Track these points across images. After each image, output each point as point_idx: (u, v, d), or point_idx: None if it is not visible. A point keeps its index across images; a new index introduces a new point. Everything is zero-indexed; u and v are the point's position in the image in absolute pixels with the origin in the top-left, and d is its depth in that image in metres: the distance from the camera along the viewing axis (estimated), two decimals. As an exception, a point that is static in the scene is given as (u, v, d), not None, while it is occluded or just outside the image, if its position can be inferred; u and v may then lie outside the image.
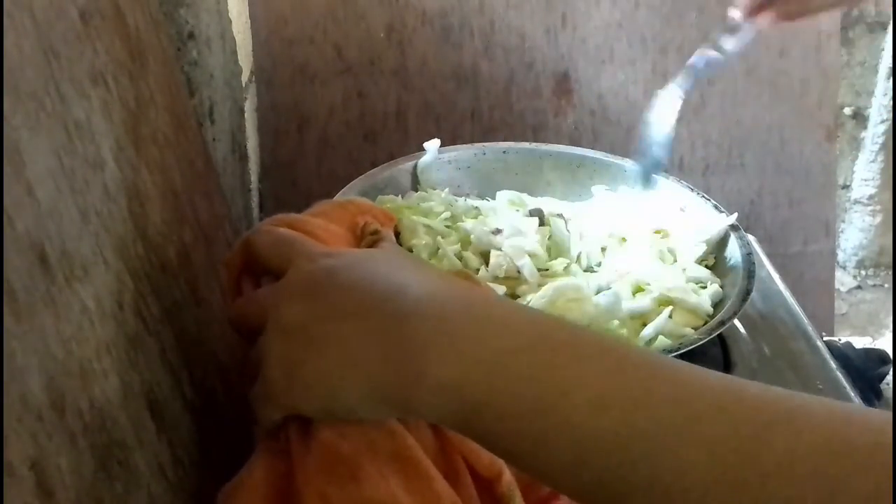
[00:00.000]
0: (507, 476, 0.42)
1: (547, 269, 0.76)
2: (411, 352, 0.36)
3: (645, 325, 0.70)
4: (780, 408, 0.32)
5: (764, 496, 0.30)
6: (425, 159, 0.91)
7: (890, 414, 0.31)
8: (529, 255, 0.76)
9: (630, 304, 0.71)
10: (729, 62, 0.80)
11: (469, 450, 0.42)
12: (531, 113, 1.21)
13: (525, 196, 0.89)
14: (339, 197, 0.79)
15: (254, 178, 1.08)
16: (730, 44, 0.78)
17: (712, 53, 0.79)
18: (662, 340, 0.69)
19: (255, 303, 0.43)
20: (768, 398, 0.33)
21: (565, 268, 0.77)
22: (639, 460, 0.32)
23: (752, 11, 0.76)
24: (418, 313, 0.37)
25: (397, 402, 0.37)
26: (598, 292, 0.73)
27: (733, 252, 0.77)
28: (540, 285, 0.74)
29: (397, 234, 0.77)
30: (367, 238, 0.47)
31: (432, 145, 0.91)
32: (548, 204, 0.87)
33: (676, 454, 0.32)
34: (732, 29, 0.78)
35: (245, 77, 1.03)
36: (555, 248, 0.79)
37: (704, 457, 0.32)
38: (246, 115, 1.01)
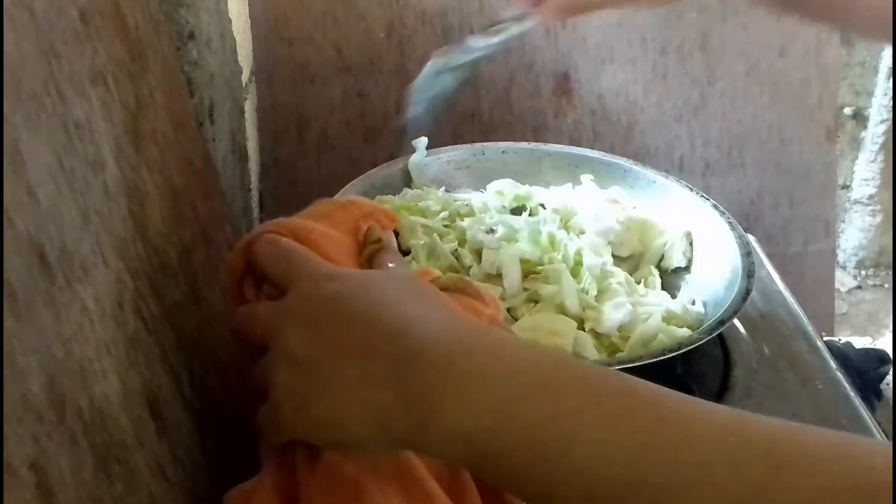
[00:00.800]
0: None
1: (538, 273, 0.77)
2: (418, 397, 0.36)
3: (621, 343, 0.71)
4: (785, 449, 0.33)
5: None
6: (416, 157, 0.91)
7: (891, 447, 0.31)
8: (522, 261, 0.76)
9: (615, 317, 0.72)
10: (506, 49, 0.79)
11: None
12: (531, 113, 1.21)
13: (513, 184, 0.89)
14: (339, 197, 0.79)
15: (254, 178, 1.08)
16: (512, 30, 0.77)
17: (490, 40, 0.78)
18: (662, 340, 0.69)
19: (258, 322, 0.42)
20: (774, 438, 0.33)
21: (553, 265, 0.77)
22: None
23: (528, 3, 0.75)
24: (424, 358, 0.37)
25: (406, 443, 0.38)
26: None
27: (733, 252, 0.77)
28: (526, 289, 0.75)
29: (397, 234, 0.78)
30: (369, 247, 0.47)
31: (421, 143, 0.91)
32: (537, 193, 0.88)
33: (685, 499, 0.32)
34: (516, 18, 0.77)
35: (245, 77, 1.03)
36: (545, 247, 0.80)
37: (716, 499, 0.32)
38: (246, 115, 1.01)
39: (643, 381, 0.36)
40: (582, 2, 0.75)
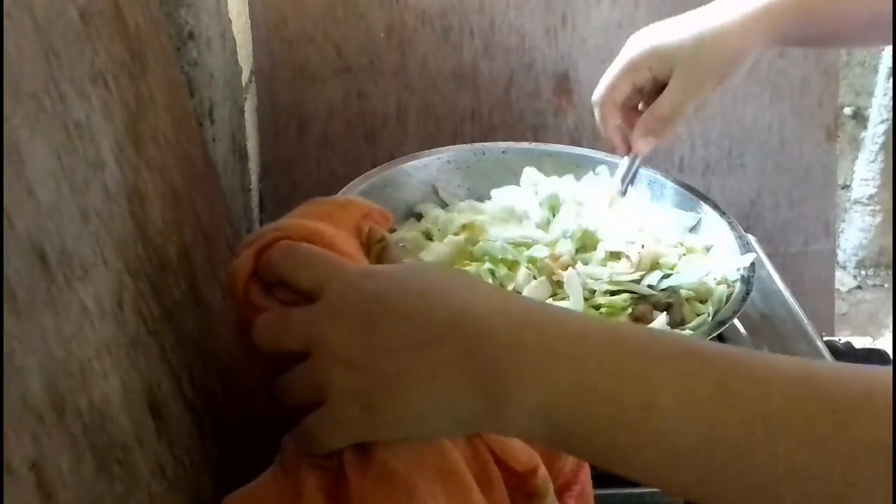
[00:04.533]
0: (543, 471, 0.43)
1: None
2: (492, 378, 0.37)
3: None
4: (854, 390, 0.34)
5: (852, 475, 0.32)
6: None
7: None
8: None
9: None
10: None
11: (508, 449, 0.42)
12: (531, 113, 1.21)
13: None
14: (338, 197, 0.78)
15: (254, 178, 1.08)
16: (630, 176, 0.87)
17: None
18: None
19: (294, 330, 0.41)
20: (842, 382, 0.34)
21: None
22: (731, 458, 0.34)
23: (626, 147, 0.84)
24: (493, 339, 0.37)
25: (485, 425, 0.39)
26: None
27: (733, 252, 0.77)
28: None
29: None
30: (375, 246, 0.47)
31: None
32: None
33: (763, 449, 0.33)
34: (627, 166, 0.86)
35: (245, 77, 1.03)
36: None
37: (794, 446, 0.33)
38: (246, 115, 1.01)
39: (705, 339, 0.37)
40: (661, 127, 0.82)
